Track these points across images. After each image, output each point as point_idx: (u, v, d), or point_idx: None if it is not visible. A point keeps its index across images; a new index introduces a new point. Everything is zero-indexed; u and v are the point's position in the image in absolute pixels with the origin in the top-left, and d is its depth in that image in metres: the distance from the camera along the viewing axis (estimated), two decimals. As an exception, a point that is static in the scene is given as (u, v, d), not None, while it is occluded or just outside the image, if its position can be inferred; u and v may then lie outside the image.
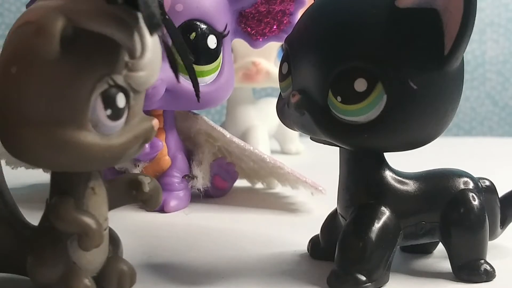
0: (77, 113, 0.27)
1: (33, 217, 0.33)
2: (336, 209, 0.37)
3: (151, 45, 0.28)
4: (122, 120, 0.29)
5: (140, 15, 0.27)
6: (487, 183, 0.38)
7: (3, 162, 0.54)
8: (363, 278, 0.32)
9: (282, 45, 0.36)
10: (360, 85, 0.30)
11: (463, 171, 0.37)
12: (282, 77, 0.35)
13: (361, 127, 0.31)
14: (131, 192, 0.33)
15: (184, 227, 0.46)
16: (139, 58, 0.28)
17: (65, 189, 0.30)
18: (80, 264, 0.31)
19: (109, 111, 0.28)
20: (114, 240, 0.34)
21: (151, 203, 0.33)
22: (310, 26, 0.33)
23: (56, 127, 0.27)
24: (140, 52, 0.28)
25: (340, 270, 0.33)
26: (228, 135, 0.53)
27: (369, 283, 0.32)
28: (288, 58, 0.34)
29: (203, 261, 0.38)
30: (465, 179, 0.36)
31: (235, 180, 0.56)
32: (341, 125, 0.32)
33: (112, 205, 0.33)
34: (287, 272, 0.36)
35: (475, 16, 0.30)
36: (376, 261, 0.33)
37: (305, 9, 0.36)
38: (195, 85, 0.37)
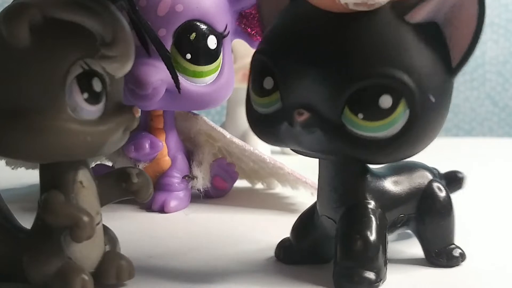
0: (53, 97, 0.28)
1: (32, 218, 0.33)
2: (309, 210, 0.37)
3: (124, 32, 0.29)
4: (101, 105, 0.29)
5: (110, 4, 0.28)
6: (436, 171, 0.40)
7: (2, 162, 0.55)
8: (374, 276, 0.32)
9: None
10: (386, 101, 0.30)
11: (421, 162, 0.39)
12: (263, 92, 0.33)
13: (382, 142, 0.31)
14: (121, 185, 0.33)
15: (184, 228, 0.46)
16: (111, 43, 0.28)
17: (54, 185, 0.31)
18: (75, 259, 0.31)
19: (86, 95, 0.29)
20: (111, 238, 0.34)
21: (141, 194, 0.33)
22: (308, 39, 0.31)
23: (34, 113, 0.28)
24: (112, 37, 0.28)
25: (349, 271, 0.32)
26: (228, 135, 0.53)
27: (380, 281, 0.33)
28: (272, 72, 0.32)
29: (203, 261, 0.38)
30: (428, 170, 0.38)
31: (235, 181, 0.56)
32: (359, 142, 0.31)
33: (104, 200, 0.33)
34: (288, 272, 0.36)
35: None
36: (381, 258, 0.33)
37: (284, 15, 0.33)
38: (175, 78, 0.38)
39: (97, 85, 0.29)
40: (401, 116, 0.30)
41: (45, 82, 0.28)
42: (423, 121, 0.31)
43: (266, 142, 0.34)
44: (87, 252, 0.32)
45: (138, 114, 0.31)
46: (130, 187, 0.33)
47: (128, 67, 0.30)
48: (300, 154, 0.34)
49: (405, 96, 0.30)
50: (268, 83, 0.32)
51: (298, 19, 0.32)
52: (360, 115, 0.30)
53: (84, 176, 0.32)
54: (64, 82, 0.28)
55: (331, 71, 0.30)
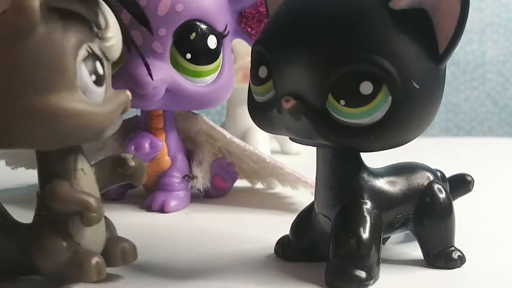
0: (67, 80, 0.29)
1: (32, 217, 0.33)
2: (308, 209, 0.37)
3: (112, 21, 0.31)
4: (104, 88, 0.31)
5: None
6: (440, 173, 0.40)
7: (2, 162, 0.55)
8: (364, 275, 0.32)
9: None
10: (366, 88, 0.30)
11: (423, 164, 0.38)
12: (259, 81, 0.33)
13: (365, 129, 0.31)
14: (117, 170, 0.34)
15: (184, 227, 0.46)
16: (105, 29, 0.30)
17: (56, 173, 0.31)
18: (84, 245, 0.31)
19: (93, 77, 0.30)
20: (109, 224, 0.35)
21: (137, 177, 0.34)
22: (295, 27, 0.32)
23: (50, 96, 0.28)
24: (105, 24, 0.30)
25: (340, 269, 0.33)
26: (228, 135, 0.53)
27: (370, 280, 0.33)
28: (266, 61, 0.33)
29: (203, 261, 0.38)
30: (429, 171, 0.38)
31: (235, 180, 0.56)
32: (344, 128, 0.31)
33: (102, 186, 0.34)
34: (287, 272, 0.36)
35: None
36: (374, 257, 0.33)
37: (280, 7, 0.34)
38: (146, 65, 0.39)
39: (100, 69, 0.30)
40: (383, 102, 0.30)
41: (58, 66, 0.28)
42: (407, 108, 0.31)
43: (262, 129, 0.35)
44: (94, 237, 0.32)
45: (130, 96, 0.32)
46: (127, 171, 0.34)
47: (120, 47, 0.32)
48: (296, 142, 0.34)
49: (386, 83, 0.30)
50: (263, 72, 0.33)
51: (289, 9, 0.33)
52: (342, 102, 0.31)
53: (84, 164, 0.32)
54: (74, 64, 0.29)
55: (315, 58, 0.31)
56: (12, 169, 0.55)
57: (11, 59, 0.28)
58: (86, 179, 0.32)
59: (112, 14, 0.31)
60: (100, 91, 0.30)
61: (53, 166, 0.31)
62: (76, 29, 0.29)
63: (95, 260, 0.31)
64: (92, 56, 0.30)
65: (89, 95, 0.30)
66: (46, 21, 0.28)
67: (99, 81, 0.30)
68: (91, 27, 0.30)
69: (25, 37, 0.28)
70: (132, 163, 0.34)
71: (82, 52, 0.29)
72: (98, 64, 0.30)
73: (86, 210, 0.30)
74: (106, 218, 0.34)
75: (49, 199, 0.31)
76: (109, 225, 0.34)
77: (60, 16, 0.29)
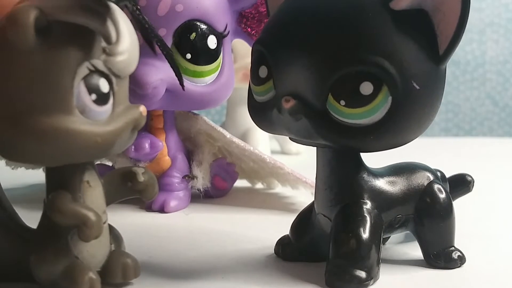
0: (62, 100, 0.28)
1: (33, 218, 0.33)
2: (308, 209, 0.38)
3: (127, 32, 0.29)
4: (109, 106, 0.29)
5: (112, 4, 0.28)
6: (440, 174, 0.40)
7: (3, 162, 0.55)
8: (364, 275, 0.32)
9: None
10: (366, 88, 0.30)
11: (423, 164, 0.38)
12: (259, 81, 0.33)
13: (365, 129, 0.31)
14: (126, 184, 0.33)
15: (184, 227, 0.46)
16: (116, 43, 0.29)
17: (61, 185, 0.31)
18: (82, 259, 0.31)
19: (94, 96, 0.29)
20: (116, 237, 0.34)
21: (147, 193, 0.34)
22: (296, 27, 0.32)
23: (43, 116, 0.28)
24: (116, 38, 0.29)
25: (340, 270, 0.33)
26: (228, 135, 0.53)
27: (370, 280, 0.33)
28: (266, 61, 0.33)
29: (203, 261, 0.38)
30: (429, 171, 0.38)
31: (235, 181, 0.56)
32: (343, 129, 0.31)
33: (110, 199, 0.33)
34: (287, 272, 0.36)
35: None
36: (373, 257, 0.33)
37: (281, 7, 0.34)
38: (178, 75, 0.38)
39: (104, 86, 0.29)
40: (383, 103, 0.31)
41: (53, 84, 0.28)
42: (407, 109, 0.31)
43: (262, 129, 0.35)
44: (93, 251, 0.32)
45: (145, 112, 0.31)
46: (136, 186, 0.33)
47: (133, 65, 0.30)
48: (296, 142, 0.34)
49: (387, 83, 0.30)
50: (263, 71, 0.33)
51: (290, 8, 0.33)
52: (342, 102, 0.31)
53: (90, 176, 0.32)
54: (72, 84, 0.28)
55: (315, 58, 0.31)
56: (12, 169, 0.55)
57: (8, 75, 0.28)
58: (91, 192, 0.31)
59: (128, 26, 0.30)
60: (102, 109, 0.29)
61: (58, 177, 0.31)
62: (79, 45, 0.28)
63: (88, 276, 0.30)
64: (96, 73, 0.29)
65: (89, 114, 0.28)
66: (45, 37, 0.27)
67: (101, 100, 0.29)
68: (99, 42, 0.29)
69: (19, 53, 0.27)
70: (142, 179, 0.33)
71: (83, 70, 0.28)
72: (102, 81, 0.29)
73: (84, 225, 0.29)
74: (112, 230, 0.34)
75: (49, 210, 0.30)
76: (116, 238, 0.34)
77: (64, 30, 0.28)
